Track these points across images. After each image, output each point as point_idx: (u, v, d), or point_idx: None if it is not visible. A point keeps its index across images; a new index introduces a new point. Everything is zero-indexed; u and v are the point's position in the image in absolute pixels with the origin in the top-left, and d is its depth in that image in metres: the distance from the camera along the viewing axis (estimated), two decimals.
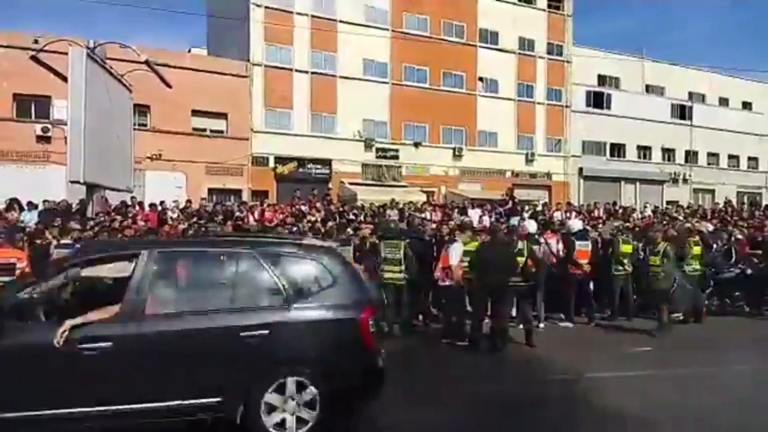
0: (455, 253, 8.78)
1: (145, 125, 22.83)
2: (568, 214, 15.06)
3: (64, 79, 12.36)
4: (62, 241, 9.37)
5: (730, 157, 38.72)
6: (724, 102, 40.05)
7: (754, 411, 5.83)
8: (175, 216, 14.08)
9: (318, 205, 16.97)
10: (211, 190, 23.49)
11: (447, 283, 8.87)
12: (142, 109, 21.67)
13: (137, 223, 12.31)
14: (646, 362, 7.74)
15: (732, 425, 5.48)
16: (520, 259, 8.74)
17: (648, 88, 37.35)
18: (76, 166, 11.60)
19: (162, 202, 15.62)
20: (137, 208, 15.05)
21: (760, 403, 6.08)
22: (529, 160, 31.45)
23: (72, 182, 12.12)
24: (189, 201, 17.23)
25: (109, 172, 13.49)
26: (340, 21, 27.08)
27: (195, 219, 12.95)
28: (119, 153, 14.58)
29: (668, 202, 28.71)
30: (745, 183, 38.17)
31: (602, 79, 36.09)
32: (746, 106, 41.05)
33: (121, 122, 14.89)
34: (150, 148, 21.87)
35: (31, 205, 13.60)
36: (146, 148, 21.30)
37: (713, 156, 38.01)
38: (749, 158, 39.40)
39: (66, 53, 11.94)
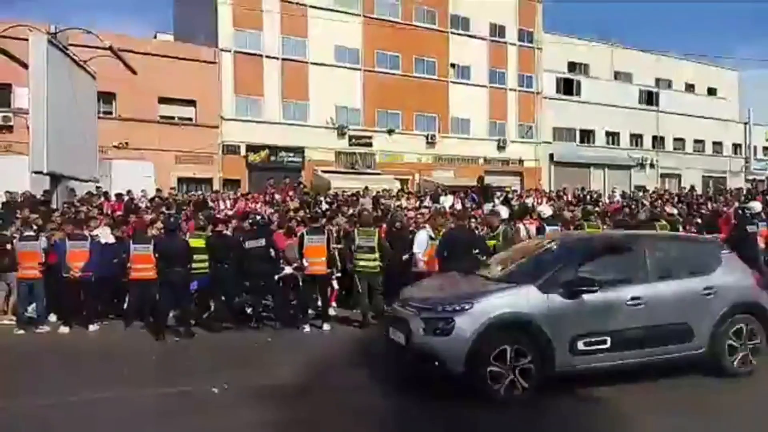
0: (418, 242, 8.92)
1: (111, 113, 22.26)
2: (538, 200, 15.24)
3: (25, 66, 11.97)
4: (25, 233, 9.12)
5: (696, 142, 39.64)
6: (690, 88, 40.94)
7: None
8: (143, 206, 13.78)
9: (291, 193, 16.84)
10: (180, 180, 23.05)
11: (416, 269, 8.86)
12: (107, 97, 21.12)
13: (104, 213, 12.03)
14: None
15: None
16: (492, 243, 8.83)
17: (617, 75, 37.93)
18: (39, 155, 11.31)
19: (129, 192, 15.27)
20: (103, 198, 14.68)
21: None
22: (501, 147, 31.67)
23: (35, 173, 11.81)
24: (159, 190, 16.90)
25: (73, 162, 13.16)
26: (311, 6, 26.70)
27: (164, 209, 12.70)
28: (84, 142, 14.24)
29: (636, 187, 29.26)
30: (711, 167, 39.15)
31: (572, 66, 36.51)
32: (711, 92, 42.06)
33: (85, 110, 14.52)
34: (116, 136, 21.34)
35: None
36: (112, 136, 20.80)
37: (679, 141, 38.86)
38: (714, 143, 40.40)
39: (26, 39, 11.56)
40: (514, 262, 6.88)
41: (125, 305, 9.25)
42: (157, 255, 8.62)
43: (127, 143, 21.91)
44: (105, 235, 9.65)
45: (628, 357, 5.88)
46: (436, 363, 5.49)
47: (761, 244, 10.83)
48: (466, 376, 5.46)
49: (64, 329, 8.71)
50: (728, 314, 6.21)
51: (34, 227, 9.42)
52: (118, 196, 14.90)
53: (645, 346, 5.92)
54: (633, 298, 5.90)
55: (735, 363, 6.23)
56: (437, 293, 6.44)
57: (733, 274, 6.51)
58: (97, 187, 15.75)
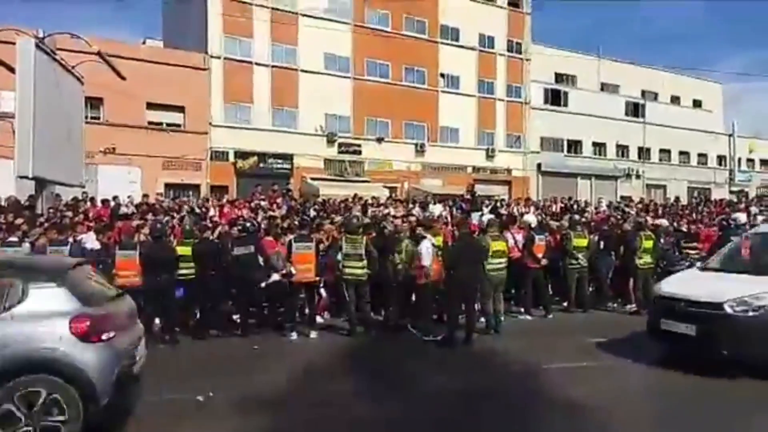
0: (425, 253, 8.74)
1: (98, 118, 22.11)
2: (526, 209, 15.34)
3: (12, 70, 11.87)
4: (9, 239, 9.01)
5: (681, 153, 40.17)
6: (675, 100, 41.53)
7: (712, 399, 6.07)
8: (129, 211, 13.66)
9: (279, 200, 16.78)
10: (168, 185, 22.87)
11: (423, 281, 8.82)
12: (94, 102, 20.98)
13: (89, 219, 11.91)
14: (602, 353, 7.95)
15: (690, 416, 5.68)
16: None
17: (603, 86, 38.38)
18: (24, 160, 11.19)
19: (115, 197, 15.14)
20: (89, 203, 14.54)
21: (717, 391, 6.31)
22: (489, 156, 31.86)
23: (20, 177, 11.67)
24: (145, 196, 16.77)
25: (59, 167, 13.04)
26: (302, 14, 26.78)
27: (151, 215, 12.60)
28: (70, 147, 14.11)
29: (622, 197, 29.57)
30: (696, 179, 39.65)
31: (559, 77, 36.89)
32: (696, 104, 42.69)
33: (72, 115, 14.39)
34: (103, 141, 21.19)
35: None
36: (99, 142, 20.64)
37: (665, 152, 39.35)
38: (699, 155, 40.95)
39: (13, 43, 11.47)
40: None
41: None
42: (142, 261, 8.55)
43: (114, 148, 21.77)
44: (90, 240, 9.56)
45: None
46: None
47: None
48: None
49: None
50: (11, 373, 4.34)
51: (19, 233, 9.31)
52: (104, 201, 14.77)
53: None
54: None
55: None
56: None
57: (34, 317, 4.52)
58: (83, 193, 15.61)
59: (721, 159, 42.12)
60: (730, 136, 42.05)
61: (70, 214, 11.76)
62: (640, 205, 18.64)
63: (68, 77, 13.89)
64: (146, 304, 8.49)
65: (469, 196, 17.18)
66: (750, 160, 44.00)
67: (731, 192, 36.60)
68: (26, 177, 11.58)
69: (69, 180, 14.11)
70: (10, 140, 12.05)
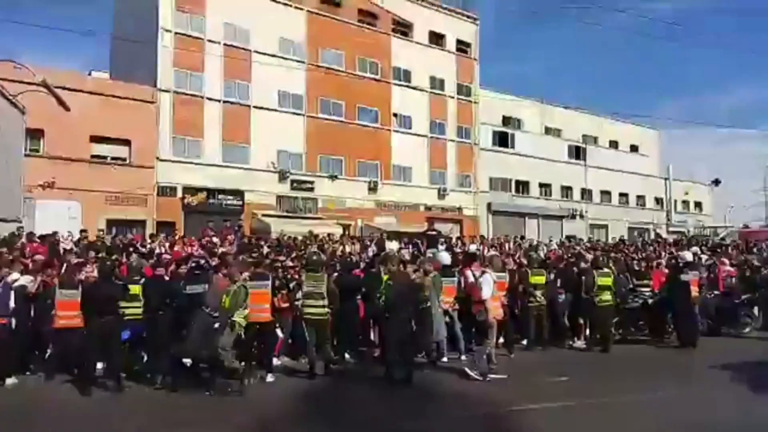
0: (487, 287, 8.60)
1: (38, 151, 21.04)
2: (485, 248, 15.47)
3: None
4: None
5: (621, 195, 42.01)
6: (614, 144, 43.68)
7: None
8: (68, 248, 12.82)
9: (230, 237, 16.25)
10: (110, 221, 21.79)
11: (483, 318, 8.64)
12: (35, 134, 19.97)
13: (26, 256, 11.08)
14: (566, 392, 7.88)
15: None
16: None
17: (547, 130, 39.98)
18: None
19: (55, 233, 14.22)
20: (26, 240, 13.57)
21: (688, 427, 6.31)
22: (441, 195, 32.28)
23: None
24: (84, 231, 15.81)
25: None
26: (255, 51, 26.74)
27: (94, 252, 11.85)
28: (7, 180, 13.27)
29: (567, 237, 30.39)
30: (635, 219, 41.41)
31: (506, 120, 38.21)
32: (634, 148, 45.05)
33: (10, 147, 13.62)
34: (43, 175, 20.11)
35: None
36: (39, 175, 19.59)
37: (606, 194, 41.05)
38: (638, 196, 42.95)
39: None
40: None
41: (47, 356, 8.42)
42: (84, 301, 7.95)
43: (54, 182, 20.66)
44: (24, 279, 8.82)
45: None
46: None
47: (694, 293, 11.36)
48: None
49: None
50: None
51: None
52: (42, 237, 13.84)
53: None
54: None
55: None
56: None
57: None
58: (18, 228, 14.60)
59: (658, 200, 44.29)
60: (665, 179, 44.38)
61: (4, 250, 10.89)
62: (589, 244, 19.11)
63: (8, 107, 13.20)
64: (89, 346, 7.89)
65: (431, 233, 17.28)
66: (685, 202, 46.47)
67: (669, 232, 38.32)
68: None
69: (5, 215, 13.23)
70: None
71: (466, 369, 8.56)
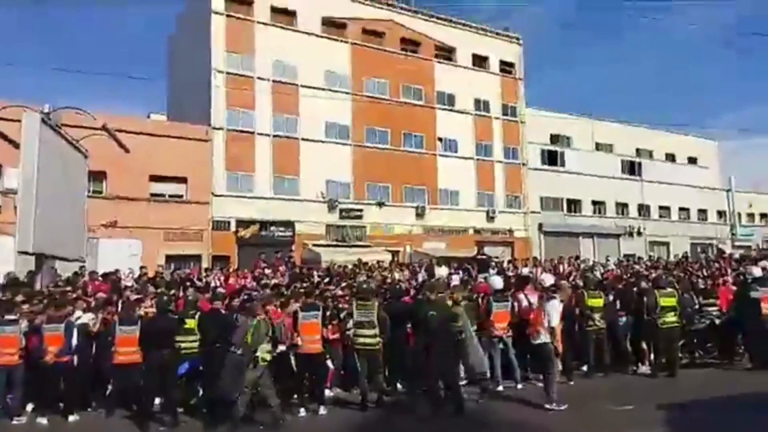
0: (555, 314, 8.43)
1: (101, 192, 22.17)
2: (538, 270, 15.08)
3: (17, 146, 11.90)
4: (6, 317, 8.66)
5: (681, 209, 40.24)
6: (670, 157, 42.04)
7: None
8: (129, 284, 13.33)
9: (281, 268, 16.52)
10: (168, 257, 22.63)
11: (541, 341, 8.46)
12: (97, 176, 21.07)
13: (88, 294, 11.58)
14: (630, 422, 7.47)
15: None
16: None
17: (598, 146, 38.95)
18: (25, 235, 11.00)
19: (117, 271, 14.83)
20: (87, 277, 14.20)
21: None
22: (490, 217, 31.86)
23: (20, 253, 11.44)
24: (143, 267, 16.44)
25: (60, 242, 12.84)
26: (302, 85, 27.48)
27: (153, 288, 12.26)
28: (72, 221, 13.97)
29: (625, 255, 29.26)
30: (697, 234, 39.51)
31: (555, 138, 37.51)
32: (692, 161, 43.22)
33: (75, 189, 14.36)
34: (105, 215, 21.12)
35: None
36: (101, 215, 20.56)
37: (665, 209, 39.42)
38: (699, 210, 41.03)
39: (19, 120, 11.54)
40: None
41: (107, 392, 8.69)
42: (142, 336, 8.18)
43: (115, 222, 21.68)
44: (88, 319, 9.19)
45: None
46: None
47: (765, 310, 10.64)
48: None
49: (42, 420, 8.11)
50: None
51: (18, 311, 8.95)
52: (104, 275, 14.45)
53: None
54: None
55: None
56: None
57: None
58: (81, 267, 15.29)
59: (721, 214, 42.18)
60: (728, 191, 42.29)
61: (68, 289, 11.43)
62: (649, 263, 18.32)
63: (72, 151, 13.95)
64: (146, 382, 8.09)
65: (481, 257, 17.03)
66: (750, 215, 44.06)
67: (734, 247, 36.35)
68: (26, 252, 11.35)
69: (70, 255, 13.89)
70: (14, 216, 11.91)
71: (546, 405, 8.16)
